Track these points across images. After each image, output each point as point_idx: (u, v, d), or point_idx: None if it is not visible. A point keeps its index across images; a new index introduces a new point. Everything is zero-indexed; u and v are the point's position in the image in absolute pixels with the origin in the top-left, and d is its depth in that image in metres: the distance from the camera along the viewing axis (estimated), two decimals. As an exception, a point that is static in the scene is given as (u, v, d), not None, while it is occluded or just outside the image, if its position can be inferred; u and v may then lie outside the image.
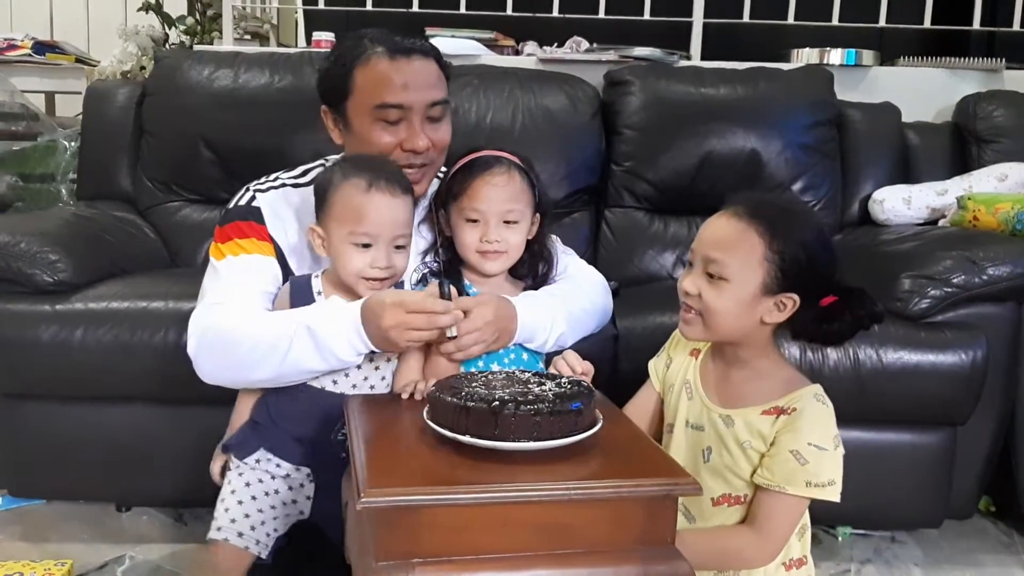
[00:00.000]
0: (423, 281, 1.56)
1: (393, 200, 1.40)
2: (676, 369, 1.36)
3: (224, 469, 1.48)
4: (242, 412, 1.48)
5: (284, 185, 1.59)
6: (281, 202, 1.56)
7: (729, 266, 1.20)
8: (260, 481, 1.43)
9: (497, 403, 1.01)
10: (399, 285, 1.50)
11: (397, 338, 1.29)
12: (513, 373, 1.16)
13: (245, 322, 1.41)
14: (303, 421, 1.42)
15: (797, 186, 2.47)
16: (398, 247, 1.42)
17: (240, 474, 1.43)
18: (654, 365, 1.42)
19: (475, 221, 1.49)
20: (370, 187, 1.39)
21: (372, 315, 1.30)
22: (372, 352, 1.35)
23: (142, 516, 2.12)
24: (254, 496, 1.41)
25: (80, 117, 2.69)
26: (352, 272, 1.40)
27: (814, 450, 1.18)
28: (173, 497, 2.07)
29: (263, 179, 1.61)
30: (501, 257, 1.51)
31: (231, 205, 1.58)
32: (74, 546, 1.97)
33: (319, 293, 1.45)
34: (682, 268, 2.41)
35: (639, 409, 1.43)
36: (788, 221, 1.21)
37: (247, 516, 1.39)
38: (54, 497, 2.15)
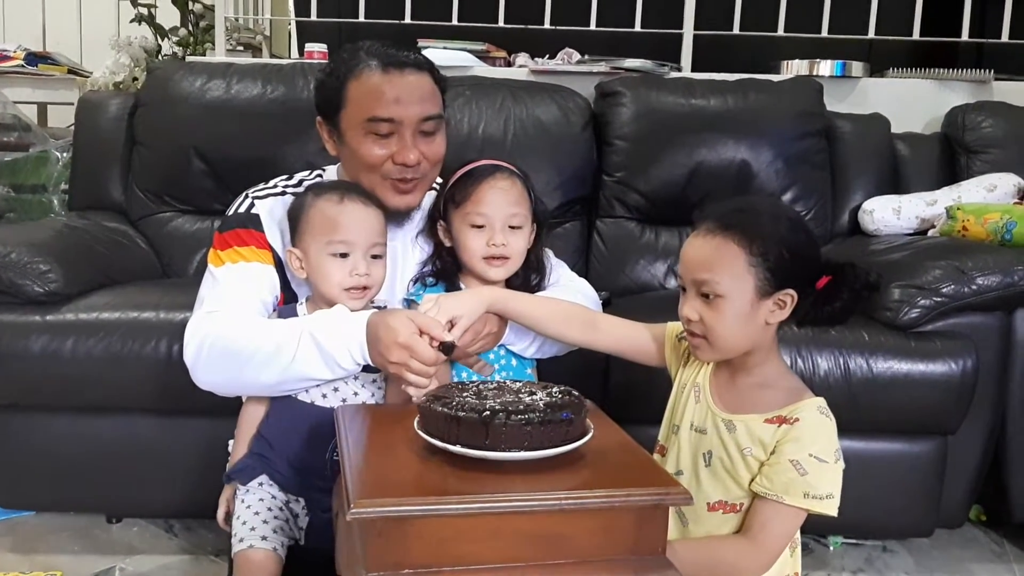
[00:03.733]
0: (419, 281, 1.57)
1: (366, 209, 1.45)
2: (691, 372, 1.35)
3: (228, 516, 1.48)
4: (240, 449, 1.48)
5: (284, 192, 1.59)
6: (280, 209, 1.55)
7: (720, 283, 1.20)
8: (271, 497, 1.43)
9: (488, 413, 1.01)
10: (380, 305, 1.51)
11: (395, 371, 1.31)
12: (504, 383, 1.16)
13: (246, 330, 1.41)
14: (294, 440, 1.42)
15: (787, 196, 2.48)
16: (374, 256, 1.45)
17: (249, 492, 1.43)
18: (672, 331, 1.40)
19: (480, 227, 1.50)
20: (343, 199, 1.44)
21: (379, 343, 1.31)
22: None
23: (132, 528, 2.11)
24: (269, 508, 1.41)
25: (72, 128, 2.69)
26: (334, 284, 1.42)
27: (815, 462, 1.18)
28: (164, 508, 2.07)
29: (261, 186, 1.62)
30: (506, 263, 1.52)
31: (230, 212, 1.58)
32: (64, 557, 1.96)
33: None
34: (674, 278, 2.44)
35: (633, 330, 1.43)
36: (759, 222, 1.21)
37: (266, 523, 1.38)
38: (44, 508, 2.14)
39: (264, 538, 1.36)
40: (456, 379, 1.45)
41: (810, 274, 1.22)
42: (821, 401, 1.24)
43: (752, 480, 1.22)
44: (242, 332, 1.41)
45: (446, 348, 1.29)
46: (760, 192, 2.45)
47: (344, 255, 1.42)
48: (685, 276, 1.25)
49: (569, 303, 1.49)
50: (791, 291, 1.21)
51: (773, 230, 1.21)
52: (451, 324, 1.34)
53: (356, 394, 1.43)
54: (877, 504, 1.92)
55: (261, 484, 1.43)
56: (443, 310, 1.34)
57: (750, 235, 1.20)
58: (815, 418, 1.21)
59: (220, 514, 1.50)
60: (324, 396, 1.42)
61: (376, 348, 1.32)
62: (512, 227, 1.51)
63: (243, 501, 1.42)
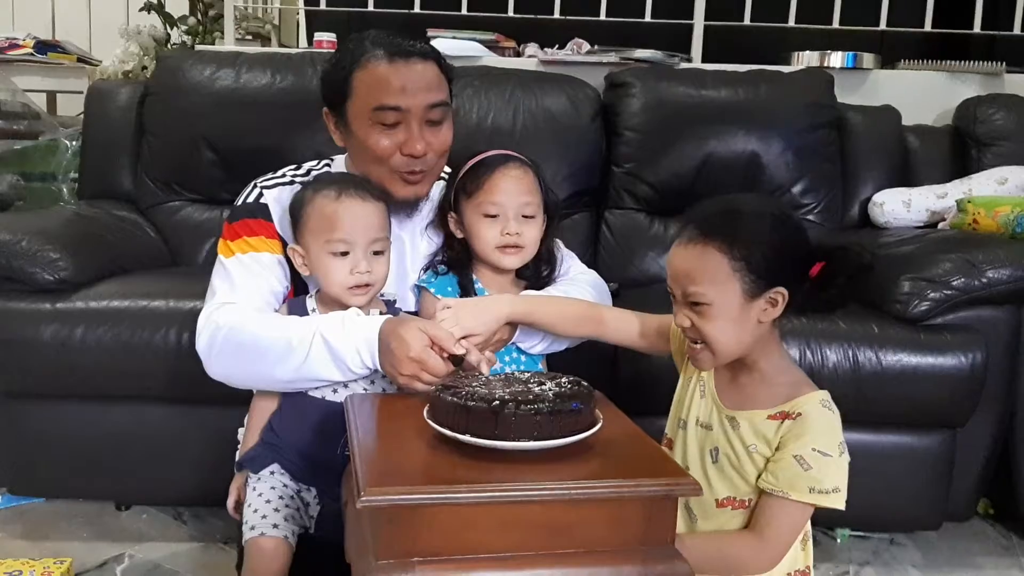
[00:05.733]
0: (431, 268, 1.57)
1: (364, 204, 1.42)
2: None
3: (239, 504, 1.48)
4: (251, 438, 1.49)
5: (293, 181, 1.59)
6: (288, 198, 1.55)
7: (705, 292, 1.19)
8: (282, 486, 1.43)
9: (497, 402, 1.01)
10: (392, 308, 1.50)
11: (405, 383, 1.31)
12: (512, 373, 1.16)
13: (260, 326, 1.41)
14: (305, 433, 1.42)
15: (797, 188, 2.47)
16: (376, 253, 1.43)
17: (260, 480, 1.44)
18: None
19: (494, 216, 1.49)
20: (340, 195, 1.41)
21: (391, 355, 1.30)
22: None
23: (141, 515, 2.12)
24: (281, 496, 1.41)
25: (82, 116, 2.69)
26: (336, 283, 1.41)
27: (818, 456, 1.18)
28: (173, 496, 2.08)
29: (269, 176, 1.61)
30: (520, 252, 1.52)
31: (238, 202, 1.58)
32: (73, 544, 1.97)
33: (313, 311, 1.46)
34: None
35: (639, 323, 1.44)
36: (740, 224, 1.20)
37: (277, 511, 1.39)
38: (54, 495, 2.15)
39: (275, 526, 1.37)
40: None
41: (799, 267, 1.21)
42: (824, 394, 1.23)
43: (759, 476, 1.22)
44: (256, 328, 1.41)
45: (456, 360, 1.29)
46: (769, 184, 2.44)
47: (344, 253, 1.40)
48: (673, 287, 1.25)
49: (578, 302, 1.49)
50: (781, 289, 1.20)
51: (755, 231, 1.19)
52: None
53: (366, 390, 1.43)
54: (885, 497, 1.92)
55: (273, 473, 1.44)
56: (460, 325, 1.34)
57: (730, 239, 1.18)
58: (817, 412, 1.21)
59: (230, 502, 1.50)
60: (335, 391, 1.42)
61: (388, 360, 1.31)
62: (525, 216, 1.51)
63: (255, 489, 1.42)
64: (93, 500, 2.14)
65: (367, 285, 1.42)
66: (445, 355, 1.28)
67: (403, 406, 1.24)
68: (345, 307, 1.42)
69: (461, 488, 0.95)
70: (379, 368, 1.35)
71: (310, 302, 1.48)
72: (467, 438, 1.01)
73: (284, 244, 1.53)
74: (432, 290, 1.53)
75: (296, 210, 1.46)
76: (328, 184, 1.45)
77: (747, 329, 1.21)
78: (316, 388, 1.42)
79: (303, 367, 1.36)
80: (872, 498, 1.86)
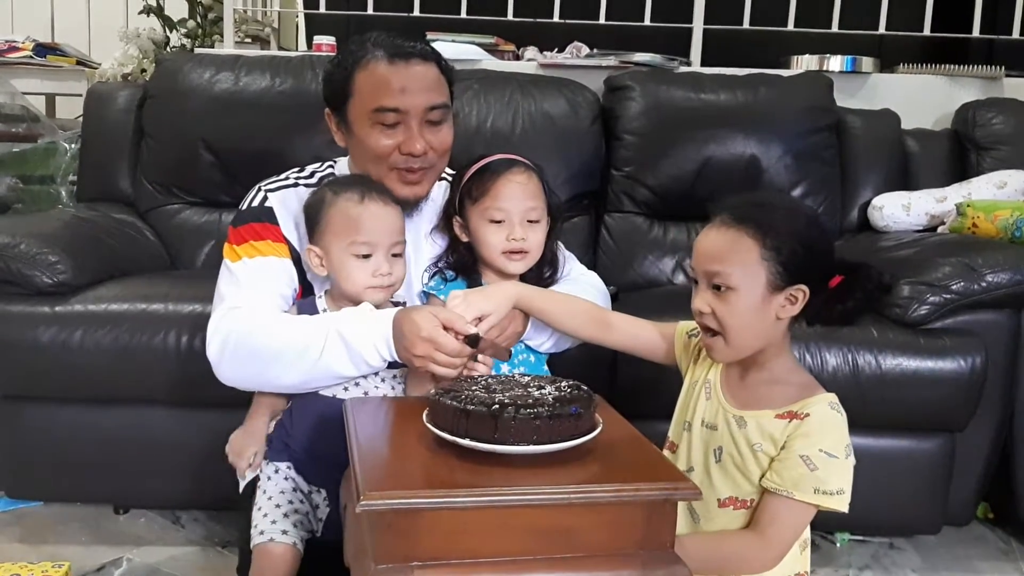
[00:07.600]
0: (438, 274, 1.57)
1: (387, 208, 1.44)
2: (702, 369, 1.35)
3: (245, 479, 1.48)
4: (252, 423, 1.48)
5: (297, 184, 1.59)
6: (293, 200, 1.56)
7: (732, 275, 1.20)
8: (292, 490, 1.43)
9: (497, 406, 1.01)
10: (399, 302, 1.51)
11: (420, 365, 1.32)
12: (513, 376, 1.16)
13: (272, 327, 1.41)
14: (316, 432, 1.42)
15: (797, 192, 2.47)
16: (395, 255, 1.45)
17: (270, 480, 1.43)
18: (683, 328, 1.41)
19: (499, 222, 1.50)
20: (364, 198, 1.43)
21: (404, 338, 1.32)
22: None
23: (140, 518, 2.11)
24: (290, 501, 1.41)
25: (81, 119, 2.69)
26: (357, 284, 1.42)
27: (824, 457, 1.18)
28: (171, 500, 2.08)
29: (273, 178, 1.62)
30: (525, 257, 1.52)
31: (243, 206, 1.58)
32: (72, 548, 1.97)
33: (324, 311, 1.46)
34: (682, 273, 2.43)
35: (643, 328, 1.44)
36: (774, 216, 1.21)
37: (286, 516, 1.39)
38: (52, 499, 2.15)
39: (285, 532, 1.37)
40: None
41: (823, 271, 1.22)
42: (832, 397, 1.24)
43: (762, 476, 1.22)
44: (268, 330, 1.41)
45: (471, 340, 1.30)
46: (769, 187, 2.44)
47: (367, 256, 1.42)
48: (697, 268, 1.25)
49: (585, 301, 1.50)
50: (803, 287, 1.21)
51: (788, 224, 1.21)
52: (478, 320, 1.35)
53: (377, 388, 1.43)
54: (884, 501, 1.91)
55: (286, 478, 1.43)
56: (471, 307, 1.35)
57: (764, 228, 1.19)
58: (825, 413, 1.21)
59: (242, 463, 1.48)
60: (346, 389, 1.42)
61: (401, 343, 1.33)
62: (530, 221, 1.51)
63: (265, 492, 1.42)
64: (91, 504, 2.14)
65: (387, 287, 1.44)
66: (459, 337, 1.29)
67: (403, 410, 1.24)
68: (356, 304, 1.42)
69: (460, 492, 0.95)
70: (395, 357, 1.35)
71: (320, 302, 1.48)
72: (467, 442, 1.01)
73: (290, 247, 1.53)
74: (442, 297, 1.53)
75: (315, 211, 1.46)
76: (349, 186, 1.46)
77: (765, 322, 1.22)
78: (327, 387, 1.42)
79: (318, 364, 1.36)
80: (872, 502, 1.85)
